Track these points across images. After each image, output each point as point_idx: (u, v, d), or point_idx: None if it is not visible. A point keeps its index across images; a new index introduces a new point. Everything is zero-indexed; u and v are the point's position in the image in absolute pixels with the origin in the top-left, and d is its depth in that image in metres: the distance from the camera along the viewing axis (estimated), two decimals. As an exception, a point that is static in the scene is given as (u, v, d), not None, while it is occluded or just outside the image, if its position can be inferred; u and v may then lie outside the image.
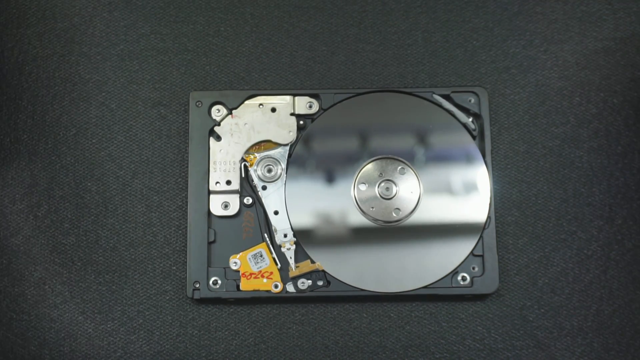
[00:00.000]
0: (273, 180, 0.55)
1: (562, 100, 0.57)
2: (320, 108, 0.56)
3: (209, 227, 0.54)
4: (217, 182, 0.54)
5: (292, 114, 0.55)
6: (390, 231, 0.54)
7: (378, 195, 0.54)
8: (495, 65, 0.58)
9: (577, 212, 0.56)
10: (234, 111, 0.55)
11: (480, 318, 0.55)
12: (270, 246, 0.54)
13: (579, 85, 0.57)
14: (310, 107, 0.56)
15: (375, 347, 0.54)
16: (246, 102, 0.56)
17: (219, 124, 0.55)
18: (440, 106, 0.55)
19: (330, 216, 0.54)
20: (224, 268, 0.54)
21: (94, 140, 0.57)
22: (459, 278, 0.54)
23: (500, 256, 0.55)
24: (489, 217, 0.54)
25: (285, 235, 0.54)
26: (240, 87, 0.57)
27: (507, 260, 0.55)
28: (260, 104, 0.56)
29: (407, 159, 0.55)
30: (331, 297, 0.54)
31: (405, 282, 0.53)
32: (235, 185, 0.55)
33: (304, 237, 0.54)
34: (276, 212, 0.54)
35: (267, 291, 0.53)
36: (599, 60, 0.58)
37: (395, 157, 0.55)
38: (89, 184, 0.56)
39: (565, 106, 0.57)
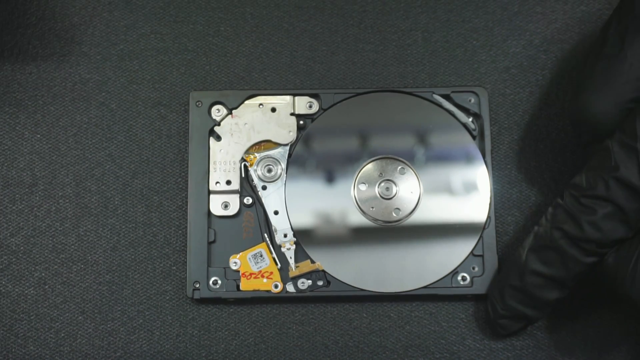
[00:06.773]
0: (273, 180, 0.55)
1: (561, 101, 0.57)
2: (320, 108, 0.55)
3: (209, 227, 0.54)
4: (217, 182, 0.54)
5: (292, 114, 0.55)
6: (390, 231, 0.54)
7: (378, 195, 0.54)
8: (495, 65, 0.58)
9: (577, 212, 0.56)
10: (234, 111, 0.55)
11: (480, 318, 0.55)
12: (270, 246, 0.54)
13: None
14: (310, 107, 0.56)
15: (375, 347, 0.54)
16: (246, 102, 0.56)
17: (219, 124, 0.55)
18: (440, 106, 0.55)
19: (330, 216, 0.54)
20: (224, 268, 0.54)
21: (94, 140, 0.57)
22: (459, 278, 0.53)
23: (500, 256, 0.55)
24: (489, 217, 0.54)
25: (285, 235, 0.54)
26: (240, 87, 0.57)
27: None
28: (260, 104, 0.56)
29: (407, 159, 0.55)
30: (331, 297, 0.54)
31: (405, 282, 0.53)
32: (235, 185, 0.55)
33: (304, 237, 0.54)
34: (276, 212, 0.54)
35: (267, 291, 0.53)
36: (599, 60, 0.58)
37: (395, 157, 0.55)
38: (89, 184, 0.56)
39: (565, 106, 0.57)
